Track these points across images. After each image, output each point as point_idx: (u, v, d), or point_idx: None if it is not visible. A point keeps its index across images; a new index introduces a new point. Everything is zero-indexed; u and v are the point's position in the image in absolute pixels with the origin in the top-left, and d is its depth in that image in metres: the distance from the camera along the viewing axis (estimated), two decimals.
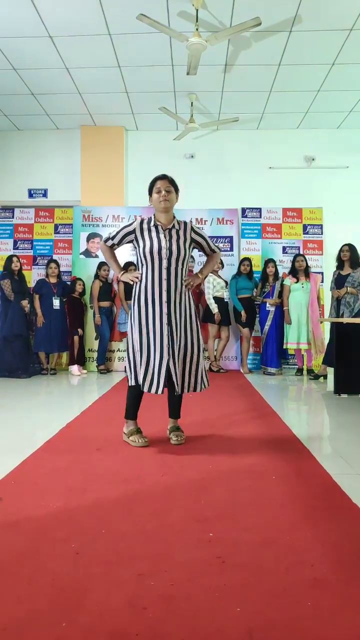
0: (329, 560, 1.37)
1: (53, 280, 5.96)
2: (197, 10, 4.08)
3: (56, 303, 5.88)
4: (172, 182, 2.65)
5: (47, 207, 6.83)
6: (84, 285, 6.14)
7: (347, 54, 4.89)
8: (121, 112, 6.28)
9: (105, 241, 2.73)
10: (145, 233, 2.60)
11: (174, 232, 2.61)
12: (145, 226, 2.62)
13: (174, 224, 2.64)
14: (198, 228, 2.74)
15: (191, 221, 2.78)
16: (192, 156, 6.77)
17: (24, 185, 6.87)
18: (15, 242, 6.76)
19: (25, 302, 5.66)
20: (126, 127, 6.76)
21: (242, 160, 6.77)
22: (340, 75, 5.29)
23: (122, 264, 6.17)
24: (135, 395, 2.68)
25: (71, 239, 6.66)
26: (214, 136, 6.78)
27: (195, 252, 6.51)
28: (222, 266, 6.18)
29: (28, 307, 5.71)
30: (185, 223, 2.70)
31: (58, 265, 6.05)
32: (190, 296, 2.69)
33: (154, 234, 2.59)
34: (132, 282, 2.66)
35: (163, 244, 2.56)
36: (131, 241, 2.66)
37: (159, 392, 2.52)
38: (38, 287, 5.94)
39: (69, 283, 6.24)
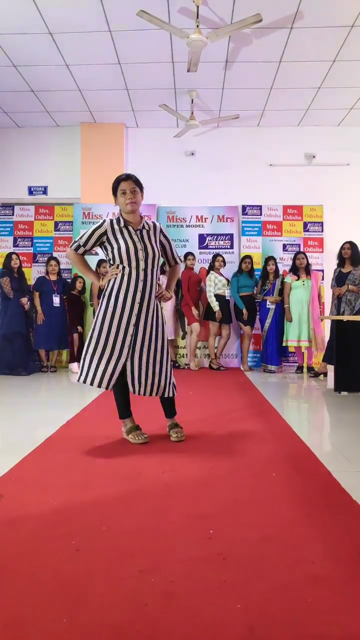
0: (329, 557, 1.37)
1: (53, 277, 5.96)
2: (197, 6, 4.06)
3: (56, 300, 5.88)
4: (136, 182, 2.60)
5: (47, 205, 6.82)
6: (84, 282, 6.14)
7: (348, 51, 4.87)
8: (121, 109, 6.27)
9: (76, 249, 2.58)
10: (118, 234, 2.54)
11: (144, 232, 2.58)
12: (116, 227, 2.56)
13: (143, 225, 2.60)
14: (166, 231, 2.73)
15: (160, 223, 2.70)
16: (192, 153, 6.76)
17: (24, 183, 6.86)
18: (15, 240, 6.75)
19: (24, 300, 5.66)
20: (126, 124, 6.74)
21: (243, 157, 6.75)
22: (341, 72, 5.27)
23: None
24: (121, 394, 2.66)
25: (71, 236, 6.65)
26: (214, 133, 6.76)
27: (194, 248, 6.51)
28: (224, 264, 6.17)
29: (28, 305, 5.71)
30: (154, 224, 2.67)
31: (58, 263, 6.05)
32: (161, 309, 2.66)
33: (126, 235, 2.54)
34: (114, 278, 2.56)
35: (138, 245, 2.52)
36: (102, 243, 2.57)
37: (109, 387, 2.50)
38: (38, 284, 5.94)
39: (69, 280, 6.24)
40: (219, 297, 5.95)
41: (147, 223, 2.64)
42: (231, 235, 6.61)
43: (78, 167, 6.71)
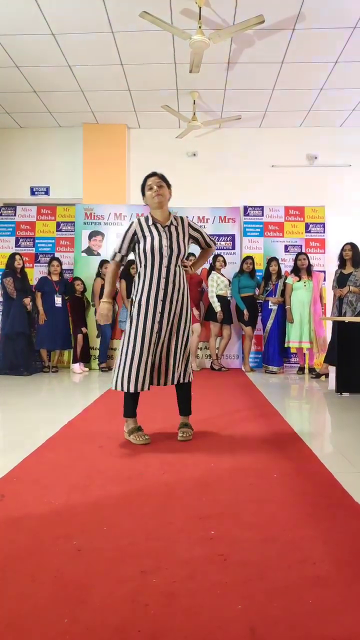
0: (331, 558, 1.37)
1: (55, 278, 5.97)
2: (200, 7, 4.07)
3: (58, 301, 5.89)
4: (162, 178, 2.67)
5: (49, 205, 6.83)
6: (83, 283, 6.14)
7: (350, 52, 4.87)
8: (123, 109, 6.28)
9: (114, 257, 2.68)
10: (146, 232, 2.61)
11: (172, 229, 2.63)
12: (144, 225, 2.63)
13: (171, 221, 2.65)
14: (194, 223, 2.78)
15: (187, 217, 2.77)
16: (194, 154, 6.76)
17: (26, 183, 6.87)
18: (17, 240, 6.76)
19: (27, 300, 5.67)
20: (128, 124, 6.75)
21: (245, 158, 6.76)
22: (343, 73, 5.27)
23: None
24: (131, 393, 2.67)
25: (73, 236, 6.66)
26: (216, 134, 6.77)
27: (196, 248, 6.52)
28: (225, 264, 6.17)
29: (30, 305, 5.72)
30: (182, 219, 2.72)
31: (60, 263, 6.06)
32: (187, 295, 2.70)
33: (154, 232, 2.60)
34: (103, 315, 2.67)
35: (164, 242, 2.58)
36: (137, 242, 2.63)
37: (145, 389, 2.57)
38: (40, 284, 5.95)
39: (69, 281, 6.24)
40: (221, 298, 5.95)
41: (175, 219, 2.68)
42: (233, 236, 6.61)
43: (80, 167, 6.73)
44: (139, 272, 2.63)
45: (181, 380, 2.68)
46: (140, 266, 2.63)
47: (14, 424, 3.20)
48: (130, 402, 2.69)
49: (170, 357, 2.63)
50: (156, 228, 2.61)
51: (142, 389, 2.58)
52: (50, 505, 1.75)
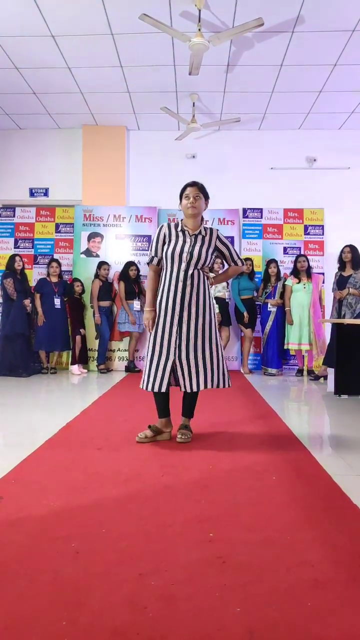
0: (330, 561, 1.37)
1: (54, 279, 5.97)
2: (199, 10, 4.08)
3: (57, 302, 5.89)
4: (201, 189, 2.71)
5: (48, 206, 6.84)
6: (82, 285, 6.14)
7: (349, 55, 4.89)
8: (123, 111, 6.29)
9: (152, 261, 2.73)
10: (173, 236, 2.68)
11: (199, 237, 2.68)
12: (173, 230, 2.70)
13: (200, 230, 2.70)
14: (224, 237, 2.79)
15: (218, 230, 2.79)
16: (193, 156, 6.77)
17: (26, 184, 6.87)
18: (16, 241, 6.76)
19: (27, 302, 5.66)
20: (128, 126, 6.76)
21: (244, 160, 6.77)
22: (342, 76, 5.29)
23: (124, 262, 6.24)
24: (162, 394, 2.72)
25: (72, 238, 6.66)
26: (215, 136, 6.78)
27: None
28: (223, 266, 6.16)
29: (30, 307, 5.71)
30: (211, 230, 2.75)
31: (59, 265, 6.06)
32: (212, 301, 2.73)
33: (180, 238, 2.67)
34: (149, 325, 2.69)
35: (186, 247, 2.64)
36: (165, 244, 2.71)
37: (162, 389, 2.61)
38: (39, 286, 5.95)
39: (69, 282, 6.24)
40: (219, 300, 5.96)
41: (205, 229, 2.72)
42: (232, 238, 6.61)
43: (79, 169, 6.73)
44: (161, 276, 2.71)
45: (221, 386, 2.70)
46: (162, 270, 2.71)
47: (12, 425, 3.19)
48: (161, 402, 2.74)
49: (200, 361, 2.63)
50: (183, 234, 2.68)
51: (160, 390, 2.62)
52: (49, 506, 1.75)
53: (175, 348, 2.61)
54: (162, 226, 2.73)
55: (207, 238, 2.70)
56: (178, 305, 2.61)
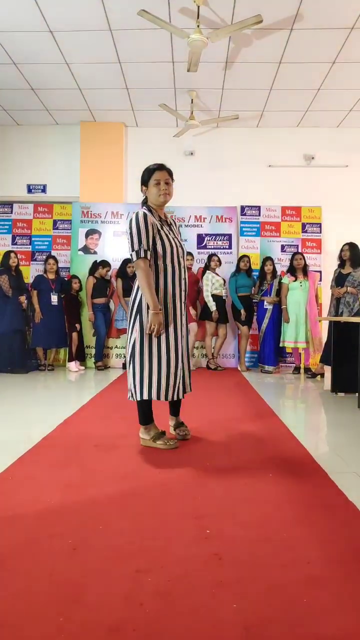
0: (325, 558, 1.38)
1: (51, 276, 5.96)
2: (198, 6, 4.06)
3: (54, 299, 5.88)
4: (170, 174, 2.48)
5: (46, 203, 6.81)
6: (80, 282, 6.13)
7: (347, 53, 4.88)
8: (121, 108, 6.26)
9: (144, 256, 2.32)
10: (158, 227, 2.41)
11: (171, 227, 2.54)
12: (156, 220, 2.43)
13: (167, 217, 2.55)
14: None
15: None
16: (191, 153, 6.76)
17: (23, 181, 6.84)
18: (13, 238, 6.74)
19: (22, 298, 5.65)
20: (126, 123, 6.74)
21: (242, 158, 6.76)
22: (340, 73, 5.28)
23: (121, 259, 6.22)
24: (146, 400, 2.50)
25: (70, 235, 6.64)
26: (213, 133, 6.77)
27: (193, 248, 6.51)
28: (220, 264, 6.18)
29: (25, 303, 5.70)
30: (174, 220, 2.62)
31: (56, 261, 6.05)
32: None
33: (164, 229, 2.44)
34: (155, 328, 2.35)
35: (173, 242, 2.45)
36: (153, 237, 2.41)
37: (181, 396, 2.49)
38: (36, 282, 5.93)
39: (67, 279, 6.23)
40: (216, 297, 5.96)
41: (167, 216, 2.55)
42: (229, 236, 6.61)
43: (77, 165, 6.71)
44: (157, 273, 2.40)
45: (187, 391, 2.62)
46: (155, 267, 2.40)
47: (9, 422, 3.19)
48: (148, 408, 2.53)
49: (186, 367, 2.56)
50: (161, 225, 2.44)
51: (179, 397, 2.45)
52: (46, 503, 1.75)
53: (183, 349, 2.49)
54: (146, 215, 2.35)
55: (174, 227, 2.55)
56: (178, 305, 2.46)
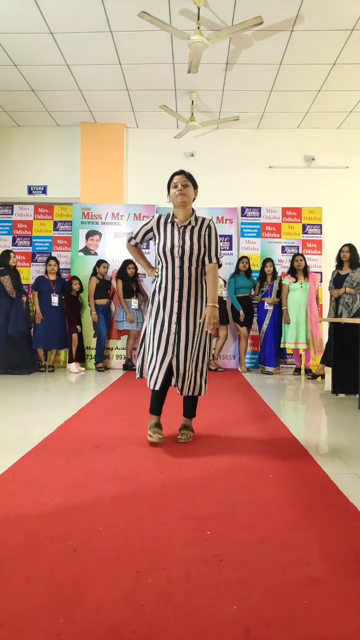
0: (326, 559, 1.38)
1: (52, 277, 5.96)
2: (198, 8, 4.07)
3: (55, 300, 5.88)
4: (189, 177, 2.63)
5: (46, 204, 6.82)
6: (80, 283, 6.14)
7: (348, 54, 4.88)
8: (122, 109, 6.27)
9: (129, 240, 2.75)
10: (161, 230, 2.61)
11: (189, 229, 2.58)
12: (162, 222, 2.62)
13: (190, 221, 2.59)
14: (215, 231, 2.64)
15: (212, 220, 2.68)
16: (192, 154, 6.77)
17: (24, 182, 6.85)
18: (14, 239, 6.75)
19: (24, 299, 5.62)
20: (127, 124, 6.75)
21: (242, 159, 6.77)
22: (341, 75, 5.29)
23: (122, 260, 6.23)
24: (156, 391, 2.62)
25: (70, 236, 6.65)
26: (214, 135, 6.77)
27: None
28: (220, 265, 6.16)
29: (26, 305, 5.69)
30: (204, 219, 2.64)
31: (57, 263, 6.05)
32: (203, 298, 2.61)
33: (168, 231, 2.58)
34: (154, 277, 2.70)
35: (176, 242, 2.54)
36: (151, 238, 2.70)
37: (157, 387, 2.54)
38: (37, 283, 5.93)
39: (67, 280, 6.23)
40: None
41: (196, 219, 2.62)
42: (230, 237, 6.62)
43: (78, 167, 6.71)
44: (158, 272, 2.66)
45: (197, 394, 2.63)
46: (157, 265, 2.68)
47: (9, 424, 3.19)
48: (154, 399, 2.66)
49: (192, 365, 2.57)
50: (172, 227, 2.59)
51: (155, 387, 2.55)
52: (46, 505, 1.75)
53: (173, 347, 2.52)
54: (152, 218, 2.67)
55: (196, 228, 2.58)
56: (176, 304, 2.53)
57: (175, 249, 2.54)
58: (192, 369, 2.58)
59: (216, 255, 2.63)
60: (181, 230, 2.57)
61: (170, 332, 2.53)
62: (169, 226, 2.60)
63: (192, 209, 2.66)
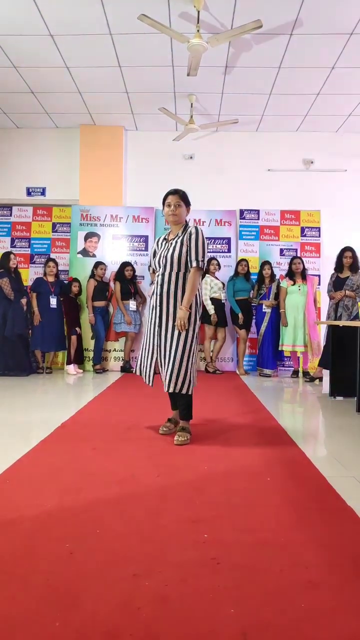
0: (323, 562, 1.38)
1: (51, 279, 5.95)
2: (198, 11, 4.08)
3: (53, 302, 5.87)
4: (182, 197, 2.80)
5: (45, 206, 6.82)
6: (79, 285, 6.13)
7: (347, 58, 4.90)
8: (121, 112, 6.28)
9: (153, 272, 2.91)
10: (159, 247, 2.87)
11: (177, 241, 2.75)
12: (160, 241, 2.90)
13: (178, 234, 2.79)
14: (197, 235, 2.71)
15: (197, 227, 2.76)
16: (191, 157, 6.78)
17: (23, 184, 6.85)
18: (12, 240, 6.74)
19: (24, 301, 5.61)
20: (126, 127, 6.76)
21: (241, 162, 6.78)
22: (340, 79, 5.30)
23: (120, 262, 6.23)
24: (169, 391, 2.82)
25: (69, 237, 6.65)
26: (213, 137, 6.79)
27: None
28: (219, 267, 6.19)
29: (25, 307, 5.68)
30: (189, 230, 2.76)
31: (56, 264, 6.04)
32: (183, 302, 2.67)
33: (162, 247, 2.83)
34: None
35: (163, 253, 2.77)
36: None
37: (149, 383, 2.80)
38: (36, 285, 5.92)
39: (66, 282, 6.23)
40: (215, 301, 5.97)
41: (184, 231, 2.79)
42: (228, 239, 6.62)
43: (77, 168, 6.72)
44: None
45: (172, 390, 2.69)
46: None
47: (7, 425, 3.18)
48: (170, 398, 2.98)
49: (170, 363, 2.69)
50: (165, 242, 2.84)
51: (148, 383, 2.80)
52: (43, 507, 1.74)
53: (157, 347, 2.75)
54: (156, 239, 2.97)
55: (182, 238, 2.76)
56: (158, 308, 2.74)
57: (162, 259, 2.76)
58: (175, 368, 2.67)
59: (196, 258, 2.69)
60: (171, 243, 2.78)
61: (154, 334, 2.76)
62: (163, 243, 2.85)
63: (186, 221, 2.87)
